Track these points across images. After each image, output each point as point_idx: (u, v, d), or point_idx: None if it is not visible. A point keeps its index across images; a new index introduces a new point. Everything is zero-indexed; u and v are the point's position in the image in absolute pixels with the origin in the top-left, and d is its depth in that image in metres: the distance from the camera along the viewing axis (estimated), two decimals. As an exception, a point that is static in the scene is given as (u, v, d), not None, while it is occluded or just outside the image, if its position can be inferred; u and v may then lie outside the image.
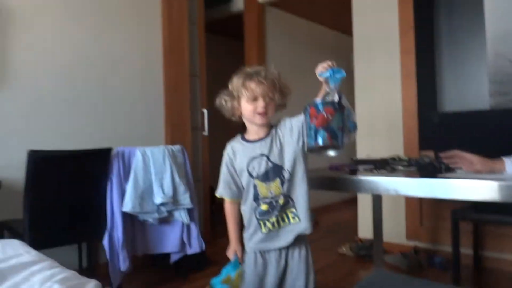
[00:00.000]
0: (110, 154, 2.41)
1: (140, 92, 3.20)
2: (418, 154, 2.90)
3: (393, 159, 2.10)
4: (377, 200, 2.39)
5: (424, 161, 1.92)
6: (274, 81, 1.43)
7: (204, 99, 3.70)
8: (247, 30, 4.33)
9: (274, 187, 1.42)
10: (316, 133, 1.27)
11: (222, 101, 1.48)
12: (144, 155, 2.52)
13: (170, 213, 2.60)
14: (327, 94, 1.33)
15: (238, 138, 1.53)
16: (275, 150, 1.43)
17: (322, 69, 1.36)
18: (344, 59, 5.57)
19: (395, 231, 3.17)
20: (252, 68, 1.48)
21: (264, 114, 1.41)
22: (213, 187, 4.20)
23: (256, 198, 1.44)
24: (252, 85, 1.41)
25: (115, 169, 2.42)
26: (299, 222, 1.44)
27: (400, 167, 1.82)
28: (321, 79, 1.37)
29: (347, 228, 3.93)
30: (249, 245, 1.48)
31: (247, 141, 1.49)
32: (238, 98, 1.45)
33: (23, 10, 2.58)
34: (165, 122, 3.33)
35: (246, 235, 1.49)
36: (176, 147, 2.69)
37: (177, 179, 2.58)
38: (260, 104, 1.41)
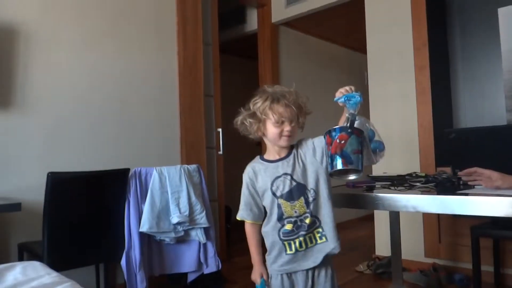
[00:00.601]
0: (127, 174, 2.44)
1: (156, 113, 3.25)
2: (435, 171, 2.87)
3: (410, 175, 2.09)
4: (395, 217, 2.37)
5: (441, 177, 1.90)
6: (300, 104, 1.44)
7: (219, 118, 3.74)
8: (260, 50, 4.39)
9: (299, 206, 1.42)
10: (332, 159, 1.31)
11: (246, 122, 1.46)
12: (160, 175, 2.55)
13: (186, 232, 2.60)
14: (346, 118, 1.35)
15: (257, 159, 1.53)
16: (298, 169, 1.44)
17: (339, 94, 1.38)
18: (358, 77, 5.59)
19: (413, 248, 3.12)
20: (274, 88, 1.47)
21: (289, 137, 1.43)
22: (228, 206, 4.23)
23: (281, 218, 1.43)
24: (280, 109, 1.40)
25: (133, 189, 2.45)
26: (326, 241, 1.43)
27: (418, 184, 1.81)
28: (340, 103, 1.39)
29: (364, 245, 3.88)
30: (274, 268, 1.46)
31: (268, 161, 1.49)
32: (264, 121, 1.43)
33: (41, 34, 2.66)
34: (180, 142, 3.36)
35: (269, 257, 1.47)
36: (192, 167, 2.72)
37: (193, 198, 2.59)
38: (287, 127, 1.41)
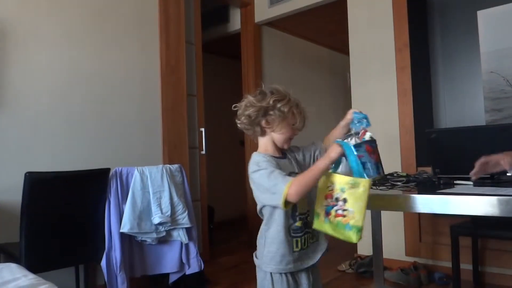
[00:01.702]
0: (108, 174, 2.41)
1: (138, 112, 3.21)
2: (415, 170, 2.91)
3: (392, 175, 2.11)
4: (376, 216, 2.39)
5: (422, 177, 1.93)
6: None
7: (202, 118, 3.72)
8: (243, 50, 4.38)
9: (306, 203, 1.45)
10: (377, 166, 1.37)
11: (274, 113, 1.41)
12: (142, 174, 2.52)
13: (168, 232, 2.58)
14: (350, 134, 1.39)
15: (260, 153, 1.48)
16: (298, 169, 1.48)
17: (360, 111, 1.42)
18: (341, 78, 5.64)
19: (394, 247, 3.15)
20: (286, 90, 1.48)
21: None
22: (211, 206, 4.21)
23: (293, 214, 1.43)
24: (301, 113, 1.46)
25: (113, 189, 2.42)
26: (317, 241, 1.49)
27: (399, 183, 1.83)
28: (350, 116, 1.44)
29: (346, 245, 3.89)
30: (280, 268, 1.42)
31: (275, 156, 1.47)
32: (286, 120, 1.43)
33: (17, 30, 2.59)
34: (162, 142, 3.33)
35: (274, 257, 1.42)
36: (174, 166, 2.69)
37: (175, 198, 2.57)
38: (296, 132, 1.47)
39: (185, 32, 3.51)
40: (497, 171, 1.49)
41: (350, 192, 1.32)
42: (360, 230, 1.30)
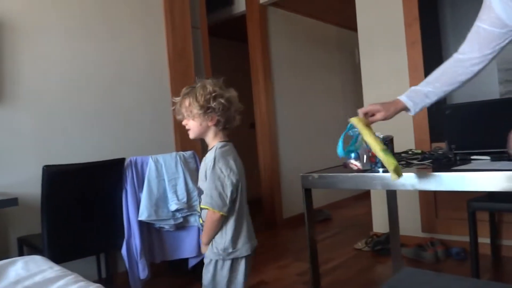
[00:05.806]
0: (123, 164, 2.43)
1: (148, 100, 3.22)
2: (429, 146, 2.89)
3: (406, 153, 2.10)
4: (392, 194, 2.38)
5: (437, 153, 1.91)
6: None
7: (211, 103, 3.71)
8: (250, 32, 4.34)
9: None
10: None
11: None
12: (156, 163, 2.54)
13: (185, 218, 2.61)
14: None
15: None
16: None
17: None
18: (350, 55, 5.56)
19: (410, 224, 3.16)
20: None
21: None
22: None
23: None
24: None
25: (129, 178, 2.44)
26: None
27: (415, 161, 1.81)
28: None
29: (361, 223, 3.92)
30: None
31: None
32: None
33: (26, 24, 2.60)
34: (174, 129, 3.34)
35: None
36: (188, 153, 2.71)
37: (190, 184, 2.59)
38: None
39: (190, 16, 3.48)
40: None
41: None
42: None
